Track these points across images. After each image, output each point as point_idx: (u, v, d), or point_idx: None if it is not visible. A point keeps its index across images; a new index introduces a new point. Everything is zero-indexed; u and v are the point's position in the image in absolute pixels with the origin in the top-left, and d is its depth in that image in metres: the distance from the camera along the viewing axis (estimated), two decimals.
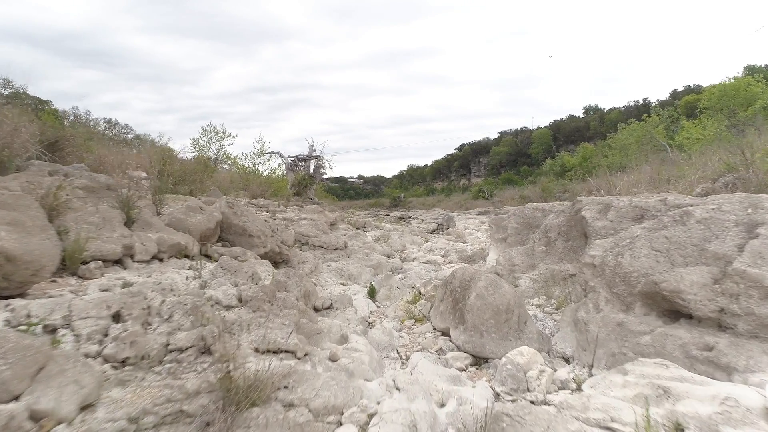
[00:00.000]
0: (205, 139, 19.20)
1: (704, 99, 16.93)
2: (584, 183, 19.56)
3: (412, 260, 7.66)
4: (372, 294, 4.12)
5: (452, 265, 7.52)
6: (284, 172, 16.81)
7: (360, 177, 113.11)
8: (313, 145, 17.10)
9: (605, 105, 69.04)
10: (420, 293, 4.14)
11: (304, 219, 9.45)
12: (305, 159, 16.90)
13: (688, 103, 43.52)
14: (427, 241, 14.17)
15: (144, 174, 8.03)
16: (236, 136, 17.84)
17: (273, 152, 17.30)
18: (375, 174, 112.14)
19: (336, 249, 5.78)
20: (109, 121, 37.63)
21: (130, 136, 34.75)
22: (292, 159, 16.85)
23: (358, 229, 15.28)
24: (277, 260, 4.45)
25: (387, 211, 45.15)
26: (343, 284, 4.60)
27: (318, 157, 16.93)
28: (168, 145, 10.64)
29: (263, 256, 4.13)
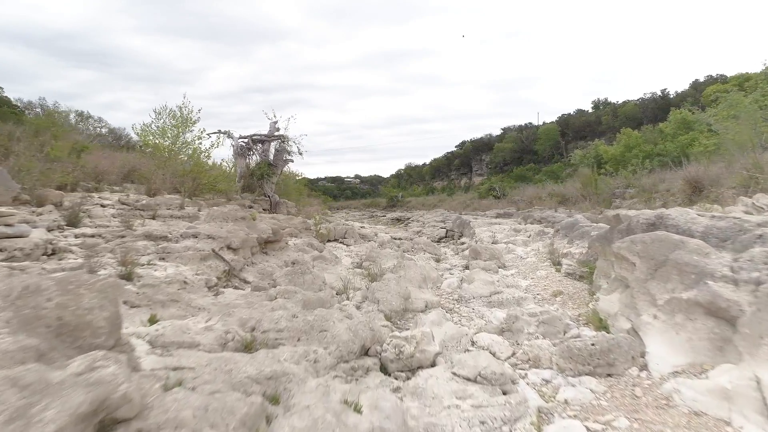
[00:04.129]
0: (159, 124, 14.25)
1: None
2: (653, 174, 14.57)
3: (430, 365, 2.68)
4: None
5: (544, 387, 2.56)
6: (232, 158, 11.82)
7: (357, 176, 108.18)
8: (276, 122, 12.13)
9: (606, 101, 64.43)
10: None
11: (194, 236, 4.47)
12: (263, 140, 11.91)
13: (714, 93, 38.91)
14: (438, 261, 9.26)
15: None
16: (198, 120, 12.51)
17: (219, 132, 12.30)
18: (372, 174, 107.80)
19: None
20: (81, 114, 32.62)
21: (104, 130, 29.90)
22: (245, 140, 11.86)
23: (333, 242, 10.30)
24: None
25: (384, 211, 40.02)
26: None
27: (282, 138, 11.94)
28: None
29: None
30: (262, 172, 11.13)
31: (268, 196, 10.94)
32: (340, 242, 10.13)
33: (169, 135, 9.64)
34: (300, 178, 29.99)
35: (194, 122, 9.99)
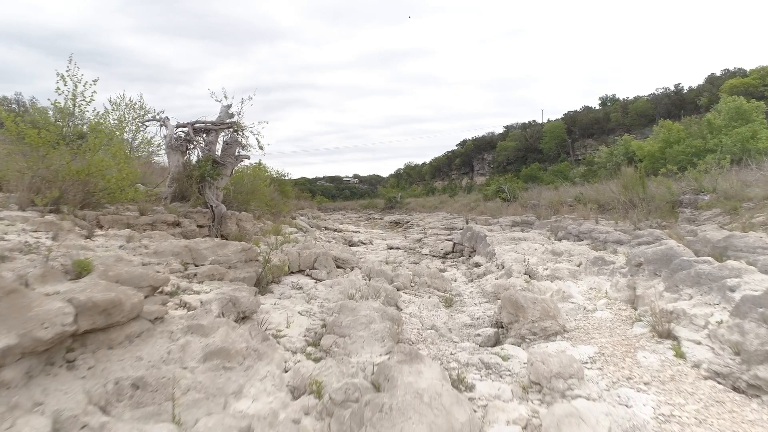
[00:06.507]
0: (116, 116, 11.07)
1: None
2: (730, 175, 11.32)
3: None
4: None
5: None
6: (165, 153, 8.68)
7: (356, 176, 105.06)
8: (229, 106, 8.99)
9: (614, 97, 61.62)
10: None
11: None
12: (210, 129, 8.78)
13: (733, 87, 36.12)
14: (449, 305, 6.24)
15: None
16: (162, 112, 8.94)
17: (154, 119, 9.14)
18: (371, 173, 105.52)
19: None
20: (60, 110, 29.87)
21: (85, 127, 26.99)
22: (184, 130, 8.72)
23: (297, 273, 7.14)
24: None
25: (381, 213, 36.74)
26: None
27: (233, 126, 8.80)
28: None
29: None
30: (202, 173, 7.97)
31: (211, 207, 7.78)
32: (307, 274, 6.99)
33: (50, 119, 6.51)
34: (286, 177, 26.67)
35: (90, 101, 6.84)
